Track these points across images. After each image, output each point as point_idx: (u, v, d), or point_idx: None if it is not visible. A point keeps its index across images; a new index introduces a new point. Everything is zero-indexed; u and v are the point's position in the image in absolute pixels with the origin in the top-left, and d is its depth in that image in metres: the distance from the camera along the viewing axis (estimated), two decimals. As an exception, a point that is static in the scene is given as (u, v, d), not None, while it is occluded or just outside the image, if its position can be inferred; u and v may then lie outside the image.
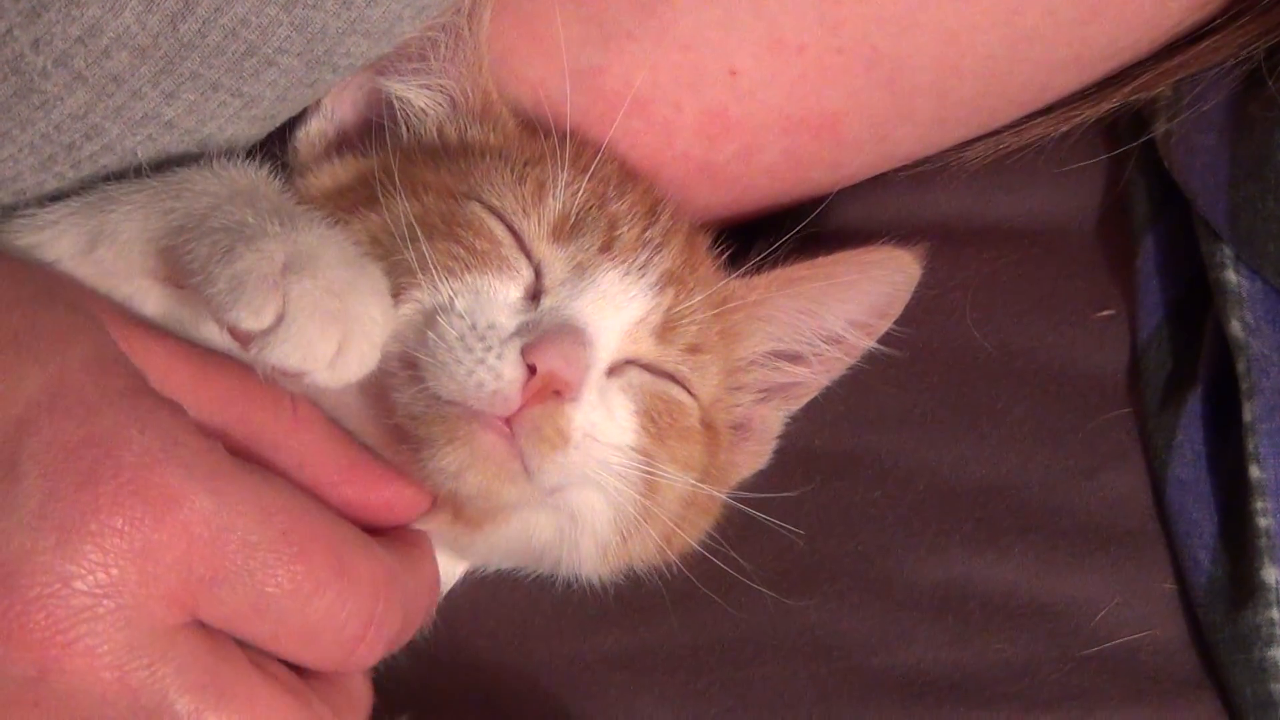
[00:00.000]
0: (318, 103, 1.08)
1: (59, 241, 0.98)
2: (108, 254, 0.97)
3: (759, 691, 1.08)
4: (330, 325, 0.92)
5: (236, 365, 0.95)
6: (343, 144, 1.10)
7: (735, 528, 1.09)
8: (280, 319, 0.91)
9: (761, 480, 1.13)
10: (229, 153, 1.02)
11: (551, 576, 1.09)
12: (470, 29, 1.07)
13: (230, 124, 1.01)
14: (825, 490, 1.12)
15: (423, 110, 1.10)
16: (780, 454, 1.14)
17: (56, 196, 1.01)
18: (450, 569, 1.09)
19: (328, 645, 0.92)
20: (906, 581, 1.10)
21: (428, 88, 1.10)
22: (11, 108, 0.97)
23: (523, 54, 1.12)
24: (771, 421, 1.14)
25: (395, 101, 1.10)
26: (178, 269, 0.95)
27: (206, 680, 0.88)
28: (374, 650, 0.94)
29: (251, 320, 0.90)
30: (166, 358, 0.94)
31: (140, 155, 1.00)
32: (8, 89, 0.96)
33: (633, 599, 1.10)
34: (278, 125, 1.05)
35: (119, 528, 0.86)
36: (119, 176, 1.01)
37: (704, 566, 1.08)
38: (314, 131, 1.10)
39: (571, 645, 1.11)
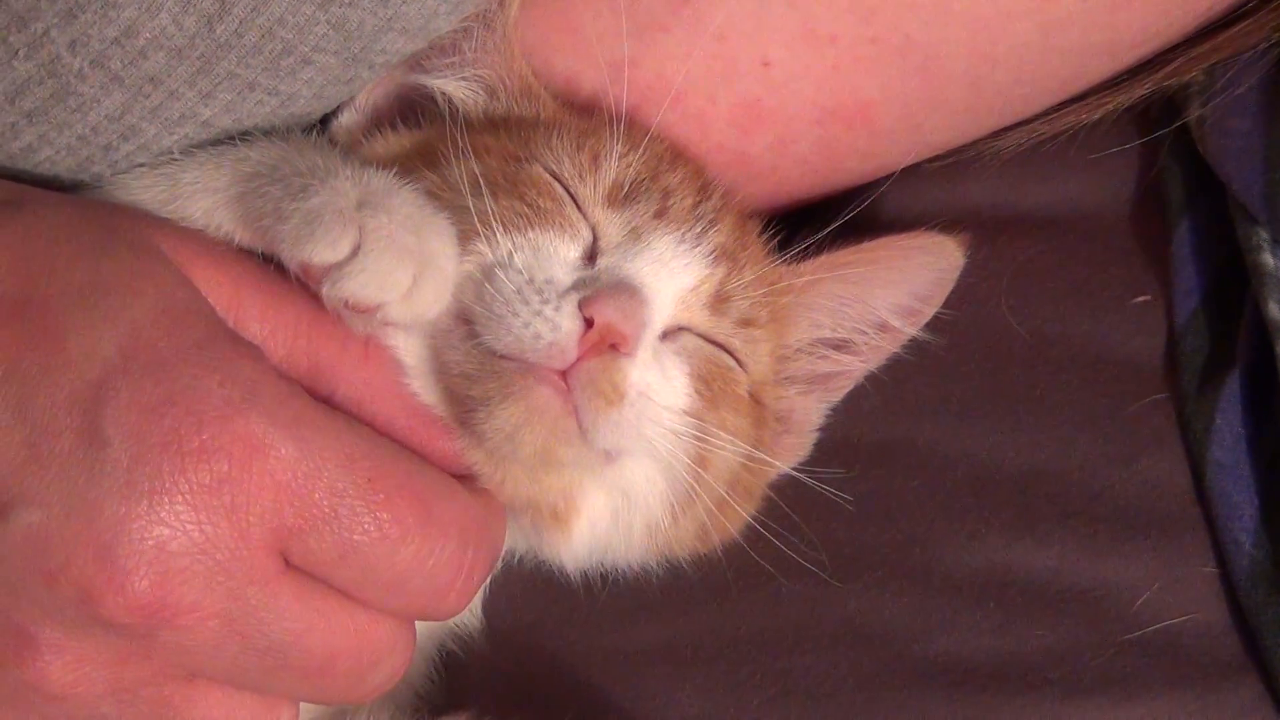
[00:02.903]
0: (352, 98, 1.08)
1: (142, 194, 0.99)
2: (190, 205, 0.98)
3: (799, 681, 1.08)
4: (406, 257, 0.92)
5: (307, 296, 0.95)
6: (378, 124, 1.10)
7: (773, 518, 1.09)
8: (356, 250, 0.91)
9: (801, 470, 1.12)
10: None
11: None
12: (501, 17, 1.08)
13: (267, 122, 1.01)
14: (864, 480, 1.11)
15: (462, 100, 1.11)
16: (819, 445, 1.15)
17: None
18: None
19: (418, 592, 0.92)
20: (946, 569, 1.09)
21: (464, 79, 1.10)
22: (49, 110, 0.97)
23: (555, 45, 1.12)
24: (812, 414, 1.15)
25: (437, 92, 1.11)
26: (250, 214, 0.95)
27: (309, 618, 0.90)
28: (464, 597, 0.94)
29: (328, 252, 0.91)
30: (234, 288, 0.94)
31: (177, 155, 1.00)
32: (44, 91, 0.96)
33: (672, 590, 1.10)
34: (314, 122, 1.06)
35: (207, 484, 0.87)
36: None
37: (743, 556, 1.09)
38: (347, 123, 1.10)
39: (611, 637, 1.12)
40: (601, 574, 1.09)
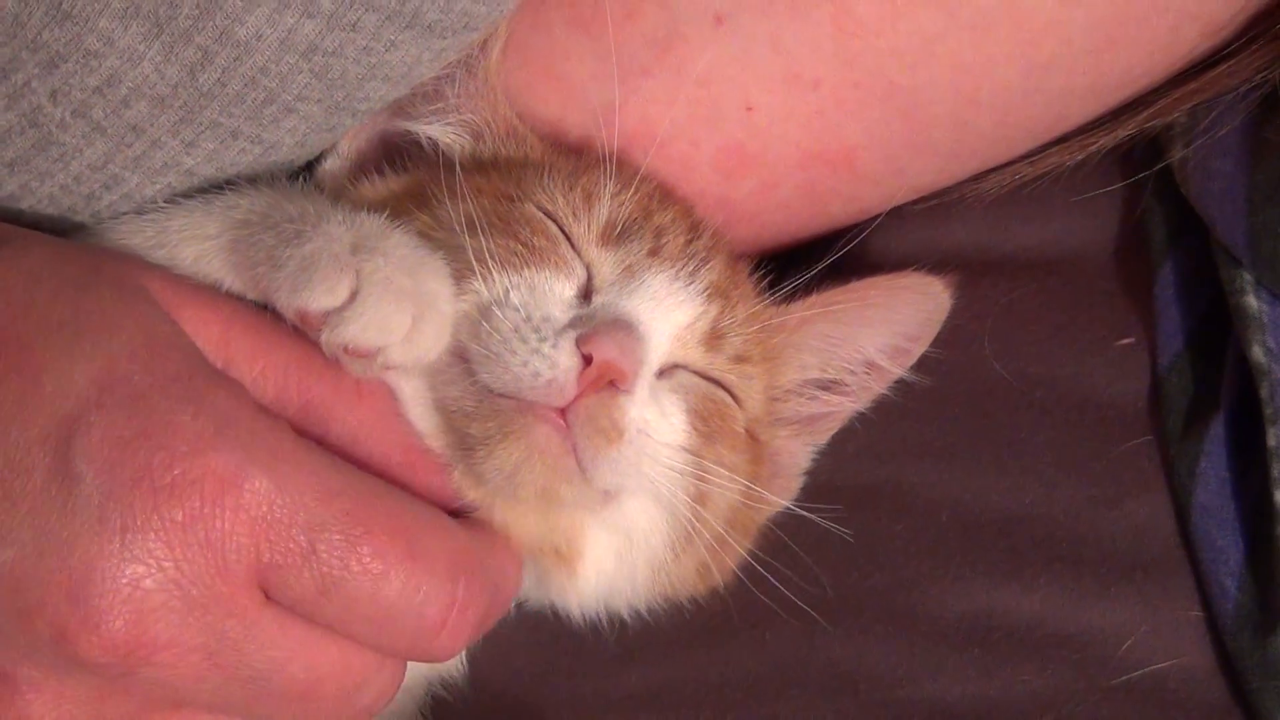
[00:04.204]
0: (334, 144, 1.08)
1: (130, 239, 0.98)
2: (180, 251, 0.97)
3: (785, 726, 1.07)
4: (404, 299, 0.92)
5: (298, 336, 0.93)
6: (362, 169, 1.10)
7: (760, 562, 1.08)
8: (354, 295, 0.90)
9: (788, 514, 1.12)
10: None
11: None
12: (481, 62, 1.08)
13: (250, 170, 1.01)
14: (849, 523, 1.09)
15: (448, 144, 1.11)
16: (805, 488, 1.14)
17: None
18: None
19: (407, 630, 0.90)
20: (932, 613, 1.09)
21: (449, 124, 1.10)
22: (30, 160, 0.97)
23: (538, 91, 1.12)
24: (800, 456, 1.15)
25: (422, 136, 1.11)
26: (243, 262, 0.94)
27: (292, 648, 0.88)
28: (457, 636, 0.92)
29: (326, 298, 0.90)
30: (224, 327, 0.92)
31: (162, 204, 1.00)
32: (26, 142, 0.96)
33: (657, 635, 1.10)
34: (296, 168, 1.05)
35: (180, 520, 0.85)
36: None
37: (727, 601, 1.08)
38: (331, 168, 1.10)
39: (596, 683, 1.11)
40: (608, 619, 1.09)
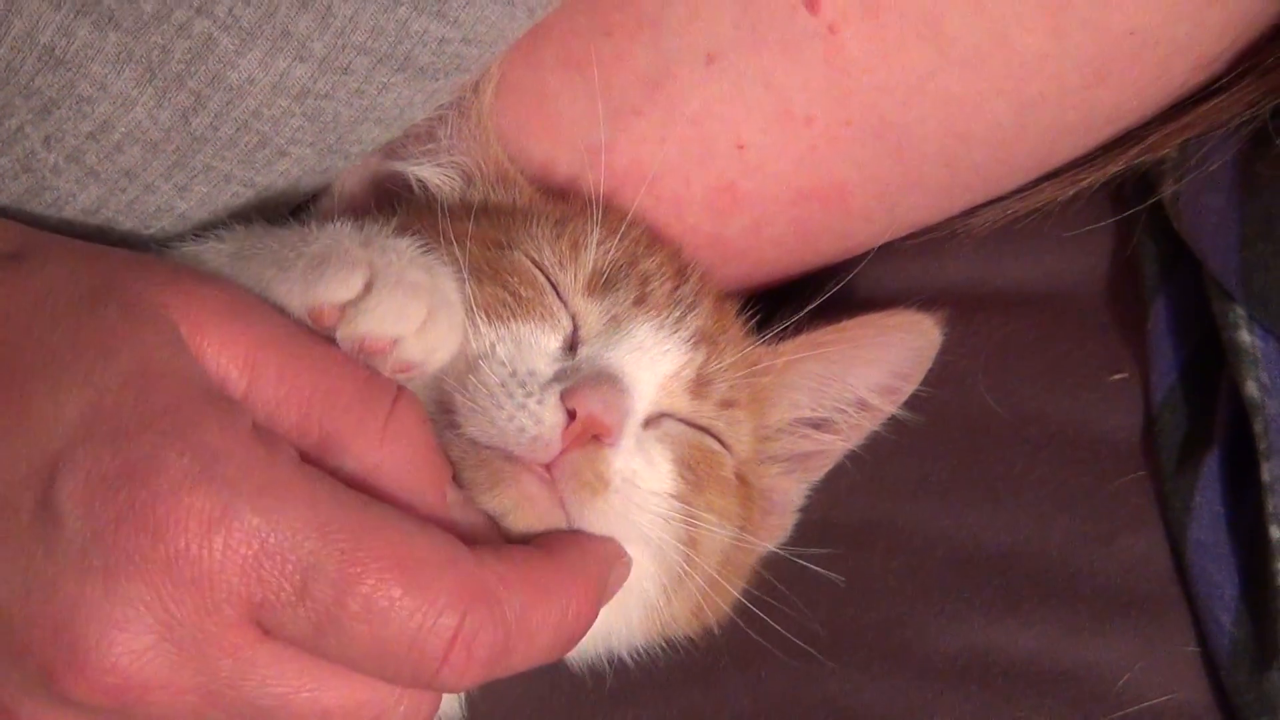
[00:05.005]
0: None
1: None
2: None
3: (780, 767, 1.07)
4: (419, 291, 0.91)
5: (331, 364, 0.90)
6: (355, 212, 1.07)
7: (753, 601, 1.08)
8: (369, 285, 0.89)
9: (780, 552, 1.12)
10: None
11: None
12: (475, 103, 1.07)
13: (242, 214, 1.00)
14: (843, 561, 1.10)
15: (438, 186, 1.10)
16: (799, 526, 1.14)
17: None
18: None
19: (409, 664, 0.86)
20: (927, 651, 1.09)
21: (440, 165, 1.10)
22: (24, 205, 0.96)
23: (530, 131, 1.12)
24: (793, 493, 1.14)
25: (412, 178, 1.10)
26: (248, 274, 0.92)
27: (293, 682, 0.86)
28: (463, 671, 0.86)
29: (341, 290, 0.89)
30: (253, 347, 0.88)
31: (154, 249, 0.99)
32: (19, 187, 0.96)
33: (651, 675, 1.09)
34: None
35: (165, 560, 0.82)
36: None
37: (720, 639, 1.08)
38: (322, 209, 1.09)
39: (593, 724, 1.10)
40: (608, 661, 1.09)
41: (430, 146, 1.09)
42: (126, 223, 0.98)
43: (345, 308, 0.89)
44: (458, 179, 1.10)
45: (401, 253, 0.93)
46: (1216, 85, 1.11)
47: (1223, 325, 1.10)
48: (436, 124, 1.08)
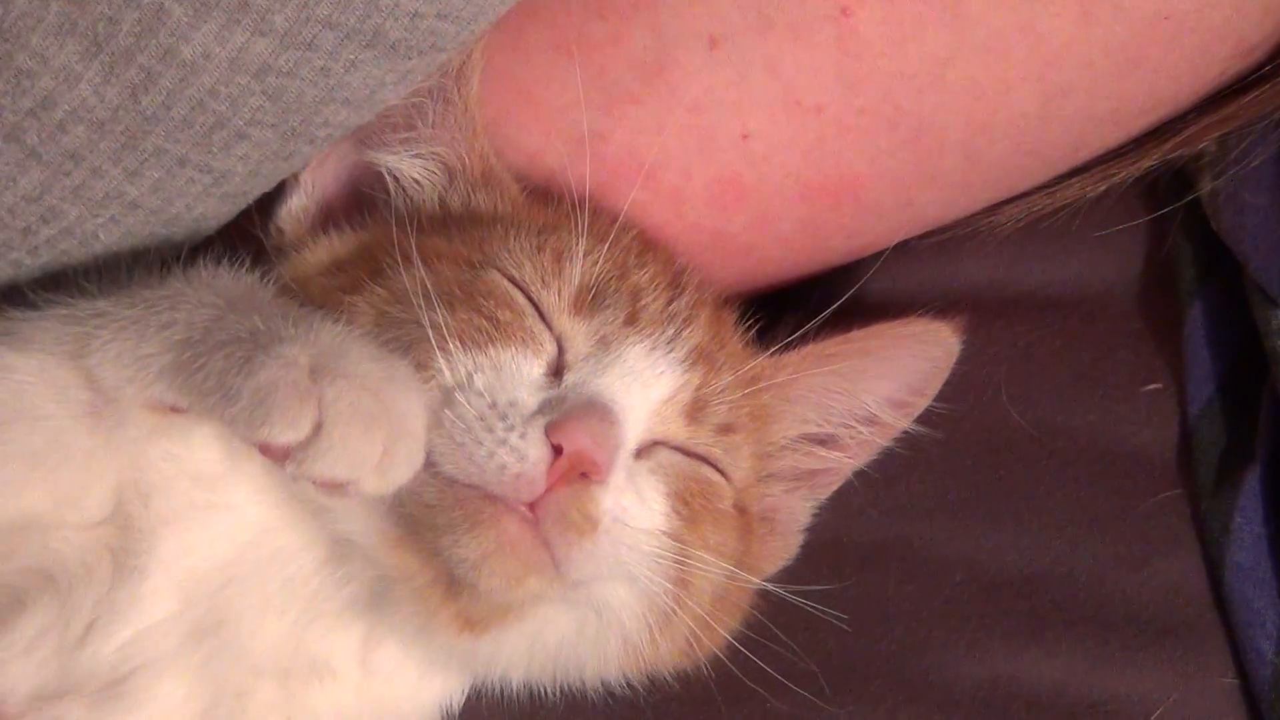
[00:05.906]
0: (295, 178, 1.04)
1: (41, 335, 0.93)
2: (103, 371, 0.91)
3: (786, 806, 1.05)
4: (373, 426, 0.87)
5: None
6: (328, 219, 1.06)
7: (761, 628, 1.05)
8: (319, 427, 0.86)
9: (787, 575, 1.08)
10: (212, 255, 0.98)
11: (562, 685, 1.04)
12: (459, 92, 1.04)
13: (199, 202, 0.98)
14: (855, 584, 1.08)
15: (416, 181, 1.07)
16: (806, 546, 1.11)
17: (15, 288, 0.97)
18: (440, 693, 1.04)
19: None
20: (946, 681, 1.07)
21: (419, 157, 1.06)
22: None
23: (518, 121, 1.09)
24: (799, 512, 1.11)
25: (387, 174, 1.07)
26: (186, 390, 0.89)
27: None
28: None
29: (288, 433, 0.85)
30: None
31: (103, 238, 0.97)
32: None
33: (643, 705, 1.06)
34: (250, 202, 1.02)
35: None
36: (87, 267, 0.98)
37: (728, 669, 1.04)
38: (295, 208, 1.06)
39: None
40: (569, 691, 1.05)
41: (409, 135, 1.05)
42: (73, 210, 0.95)
43: (294, 449, 0.86)
44: (438, 173, 1.07)
45: (353, 376, 0.88)
46: (1258, 74, 1.08)
47: (1264, 332, 1.08)
48: (415, 113, 1.04)
